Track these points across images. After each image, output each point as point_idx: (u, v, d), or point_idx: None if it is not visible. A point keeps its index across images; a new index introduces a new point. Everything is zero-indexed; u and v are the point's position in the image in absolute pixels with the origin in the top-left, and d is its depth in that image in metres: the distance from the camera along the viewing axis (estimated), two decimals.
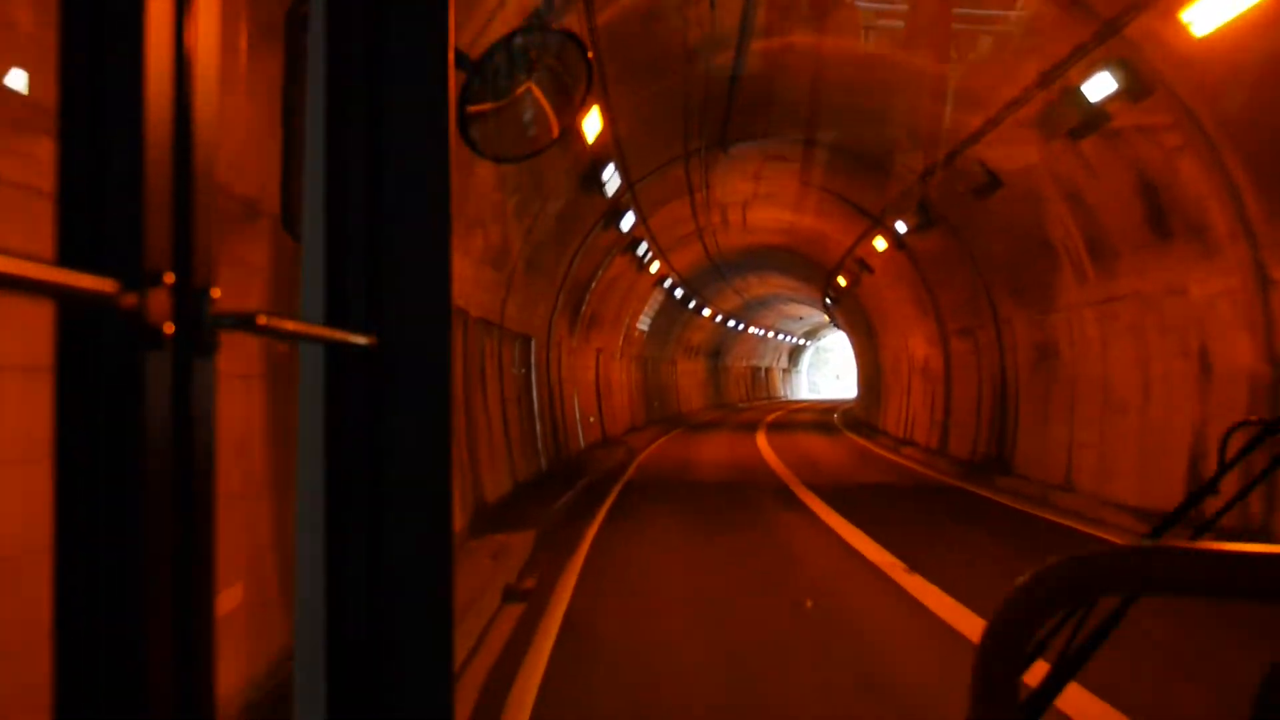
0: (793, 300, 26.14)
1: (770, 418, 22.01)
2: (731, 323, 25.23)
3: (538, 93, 0.85)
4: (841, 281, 14.63)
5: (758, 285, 22.98)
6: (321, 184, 0.55)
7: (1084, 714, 2.30)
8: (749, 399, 32.61)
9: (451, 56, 0.56)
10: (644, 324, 16.74)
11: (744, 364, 33.00)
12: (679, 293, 16.86)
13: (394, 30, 0.56)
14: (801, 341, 37.86)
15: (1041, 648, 0.59)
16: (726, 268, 17.88)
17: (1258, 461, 0.72)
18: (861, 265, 12.72)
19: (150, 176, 0.36)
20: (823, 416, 22.79)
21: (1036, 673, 0.55)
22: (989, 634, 0.39)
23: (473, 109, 0.75)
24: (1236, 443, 0.72)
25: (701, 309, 20.40)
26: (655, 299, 16.18)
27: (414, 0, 0.56)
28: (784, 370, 39.98)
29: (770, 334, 32.37)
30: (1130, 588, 0.47)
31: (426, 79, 0.56)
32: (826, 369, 46.18)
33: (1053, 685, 0.59)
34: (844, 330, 25.32)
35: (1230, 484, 0.71)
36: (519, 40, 0.87)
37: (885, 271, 12.17)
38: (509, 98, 0.82)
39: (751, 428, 17.03)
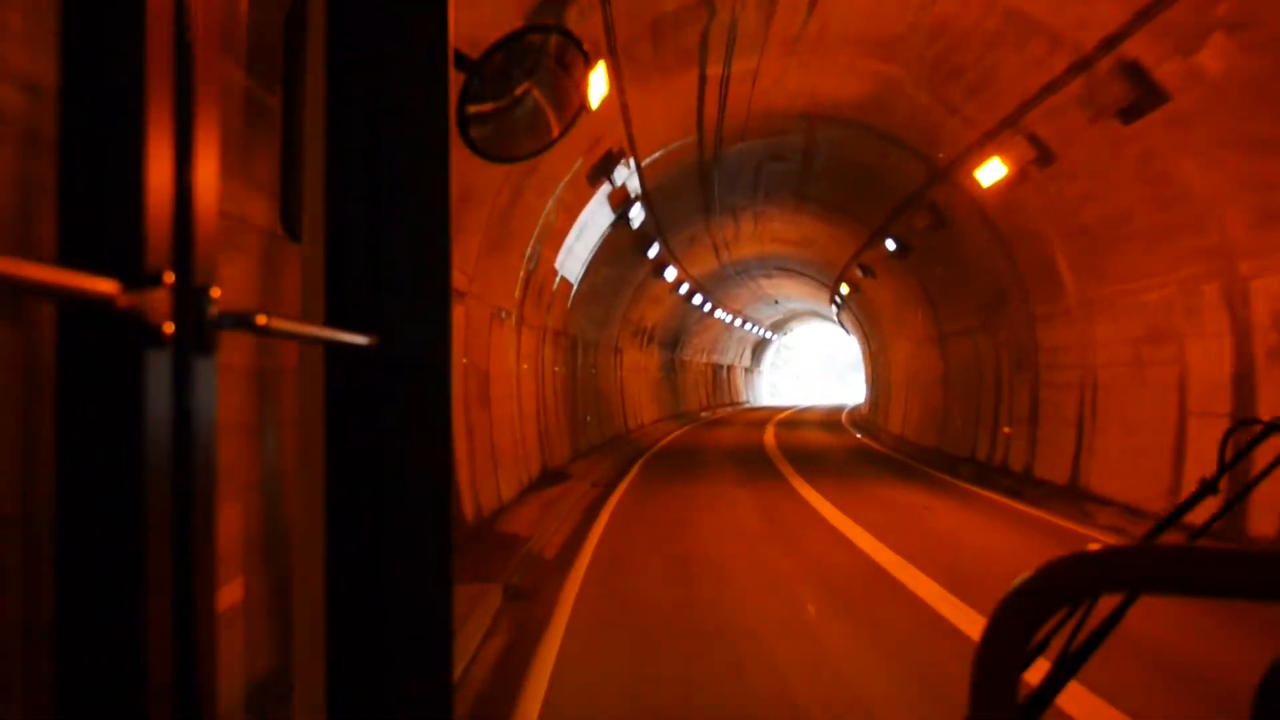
0: (784, 269, 34.96)
1: (769, 438, 28.07)
2: (698, 299, 33.17)
3: (537, 93, 1.63)
4: (977, 182, 14.31)
5: (750, 238, 28.38)
6: (321, 184, 1.19)
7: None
8: (711, 405, 45.90)
9: (451, 56, 1.21)
10: (572, 267, 18.07)
11: (704, 360, 45.92)
12: (637, 219, 18.58)
13: (394, 30, 1.20)
14: (767, 335, 57.59)
15: (1042, 647, 1.26)
16: (727, 178, 20.18)
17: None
18: (1129, 83, 10.04)
19: (150, 177, 0.80)
20: (847, 438, 30.38)
21: (1036, 672, 1.18)
22: (989, 633, 0.81)
23: (473, 109, 1.47)
24: (1237, 444, 1.47)
25: (664, 267, 24.60)
26: (596, 222, 17.32)
27: (414, 0, 1.19)
28: (746, 370, 57.40)
29: (737, 321, 45.64)
30: (1130, 587, 1.16)
31: (426, 79, 1.21)
32: (786, 369, 72.35)
33: (1053, 685, 1.26)
34: (853, 315, 35.48)
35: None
36: (518, 41, 1.66)
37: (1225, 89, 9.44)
38: (509, 98, 1.59)
39: (769, 468, 19.96)
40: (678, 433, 31.39)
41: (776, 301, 47.67)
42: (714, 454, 23.77)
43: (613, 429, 25.95)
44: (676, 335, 37.62)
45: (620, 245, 19.86)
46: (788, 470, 19.41)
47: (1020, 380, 17.92)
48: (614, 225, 18.46)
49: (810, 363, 78.21)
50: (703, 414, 42.76)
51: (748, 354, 57.66)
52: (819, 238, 26.18)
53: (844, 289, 30.88)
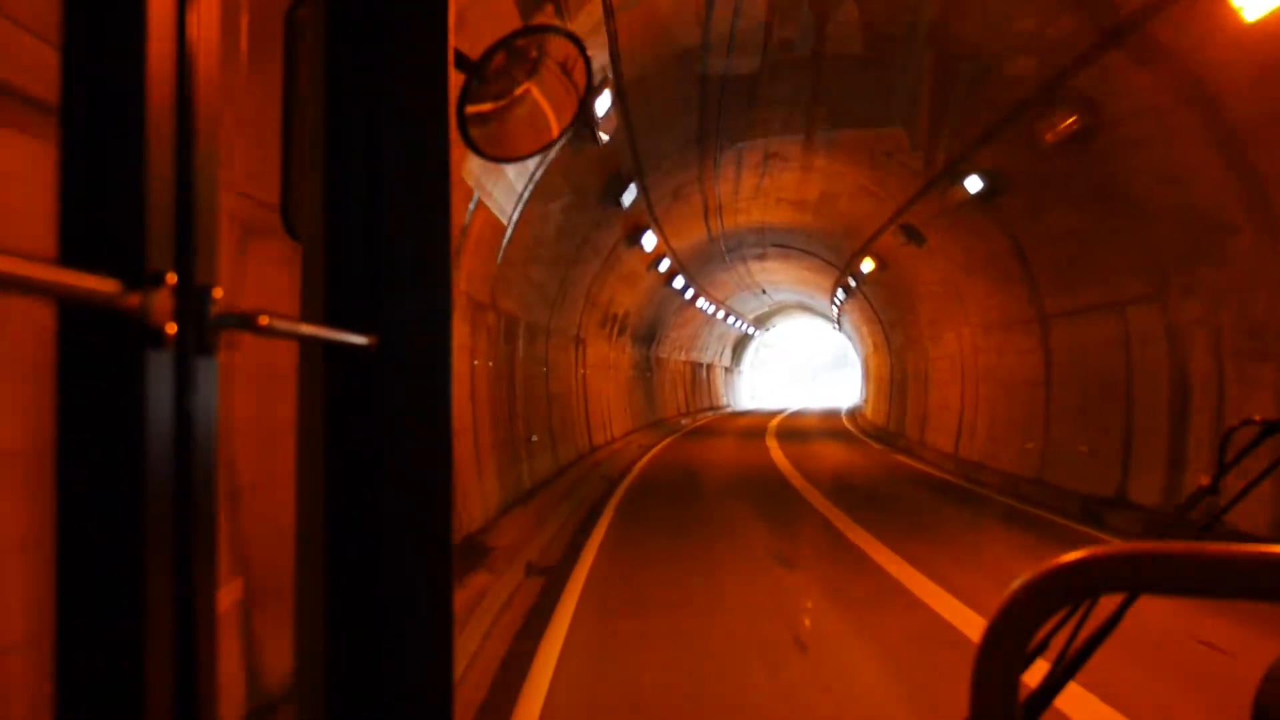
0: (784, 246, 40.69)
1: (778, 456, 30.65)
2: (679, 282, 38.81)
3: (537, 93, 2.46)
4: (1216, 24, 13.09)
5: (752, 197, 31.35)
6: (321, 184, 1.95)
7: None
8: (690, 411, 56.45)
9: (451, 56, 1.99)
10: (500, 190, 18.01)
11: (682, 358, 56.39)
12: (606, 131, 18.39)
13: (394, 30, 1.99)
14: (750, 330, 76.13)
15: (1042, 648, 2.05)
16: (738, 77, 20.29)
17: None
18: None
19: (151, 176, 1.38)
20: (879, 456, 33.29)
21: (1036, 673, 1.96)
22: (989, 634, 1.43)
23: (473, 109, 2.25)
24: (1237, 443, 2.28)
25: (642, 232, 27.44)
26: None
27: (414, 0, 1.99)
28: (725, 369, 72.91)
29: (720, 313, 55.42)
30: (1130, 587, 1.99)
31: (426, 79, 2.01)
32: (764, 369, 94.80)
33: (1053, 685, 2.06)
34: (865, 302, 40.54)
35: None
36: (519, 40, 2.47)
37: None
38: (509, 98, 2.39)
39: (811, 515, 20.30)
40: (658, 449, 34.56)
41: (764, 291, 58.34)
42: (717, 488, 24.87)
43: (572, 449, 27.59)
44: (653, 327, 43.92)
45: (582, 176, 20.21)
46: (844, 521, 19.49)
47: (1253, 378, 17.14)
48: (571, 132, 17.67)
49: (786, 363, 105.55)
50: (683, 421, 51.18)
51: (728, 352, 73.16)
52: (845, 191, 27.66)
53: (865, 266, 33.63)
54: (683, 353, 57.35)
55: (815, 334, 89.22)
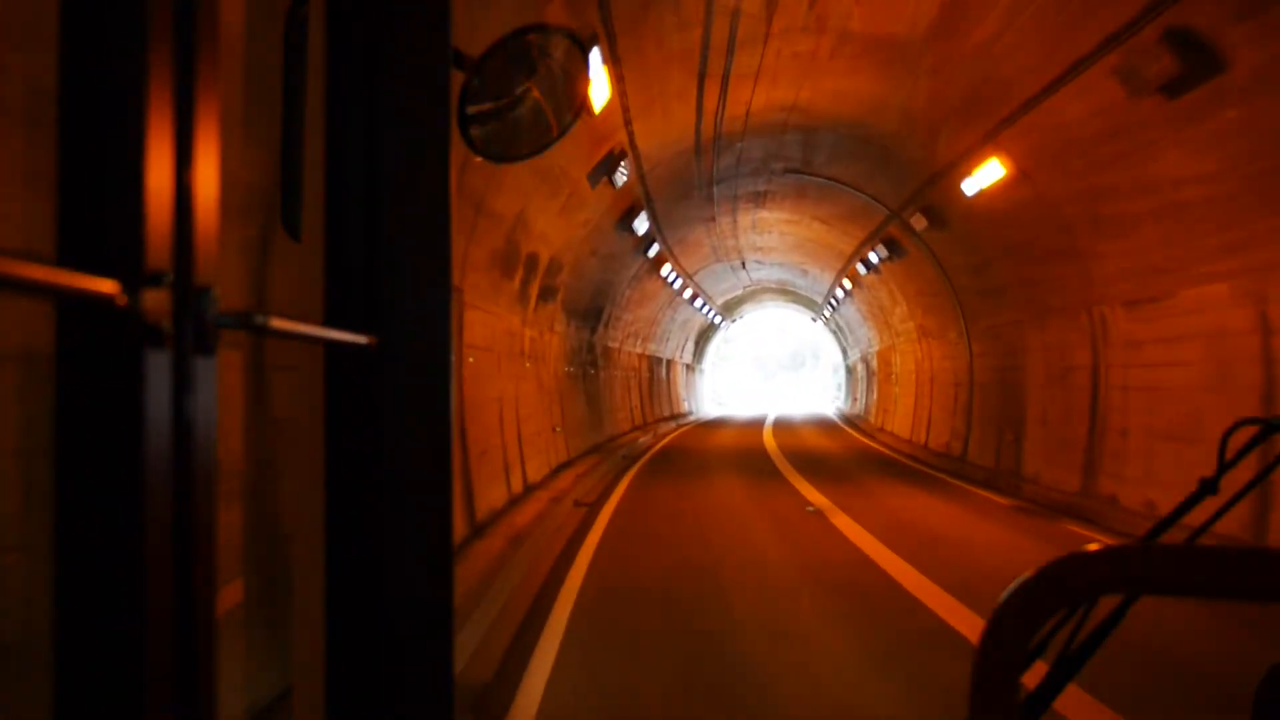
0: (803, 173, 32.16)
1: (871, 547, 15.19)
2: (641, 224, 29.15)
3: (537, 93, 2.53)
4: None
5: (797, 26, 17.56)
6: (321, 184, 1.99)
7: None
8: (647, 422, 46.38)
9: (451, 56, 2.13)
10: None
11: (637, 349, 46.72)
12: None
13: (394, 30, 2.03)
14: (716, 319, 67.81)
15: (1042, 648, 2.09)
16: None
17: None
18: None
19: (150, 176, 1.49)
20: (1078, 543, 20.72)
21: (1037, 673, 2.04)
22: (988, 634, 1.57)
23: (473, 109, 2.30)
24: (1237, 443, 2.33)
25: (585, 47, 16.81)
26: None
27: (414, 0, 2.03)
28: (687, 367, 67.83)
29: (687, 292, 49.98)
30: (1130, 588, 2.02)
31: (426, 79, 2.05)
32: (724, 368, 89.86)
33: (1052, 685, 2.11)
34: (934, 263, 30.93)
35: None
36: (519, 40, 2.53)
37: None
38: (509, 98, 2.46)
39: None
40: (609, 514, 20.90)
41: (744, 265, 51.80)
42: None
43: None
44: (600, 298, 33.33)
45: None
46: None
47: None
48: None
49: (743, 360, 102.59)
50: (641, 440, 38.60)
51: (690, 345, 67.24)
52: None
53: (977, 181, 20.78)
54: (639, 342, 46.77)
55: (784, 327, 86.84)
